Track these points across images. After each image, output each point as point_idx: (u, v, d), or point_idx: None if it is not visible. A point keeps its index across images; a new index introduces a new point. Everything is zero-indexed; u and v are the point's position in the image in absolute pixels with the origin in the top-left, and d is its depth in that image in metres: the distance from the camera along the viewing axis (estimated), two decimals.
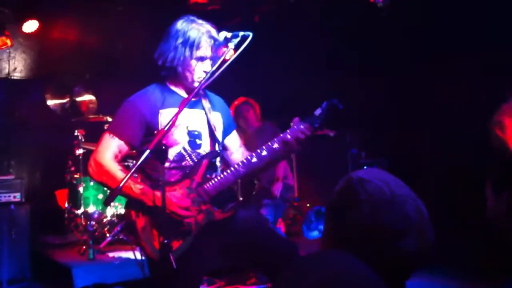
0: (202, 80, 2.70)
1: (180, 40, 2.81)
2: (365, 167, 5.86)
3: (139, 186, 2.66)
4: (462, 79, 5.23)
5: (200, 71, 2.85)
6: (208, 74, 2.64)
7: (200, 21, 2.89)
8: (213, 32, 2.87)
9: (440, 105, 5.53)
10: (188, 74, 2.85)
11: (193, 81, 2.87)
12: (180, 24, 2.86)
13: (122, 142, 2.80)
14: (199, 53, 2.82)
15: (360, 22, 5.87)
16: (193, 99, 2.85)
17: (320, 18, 6.29)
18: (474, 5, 4.95)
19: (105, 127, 5.29)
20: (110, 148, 2.78)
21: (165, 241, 2.31)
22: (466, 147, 5.14)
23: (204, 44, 2.82)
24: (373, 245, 1.44)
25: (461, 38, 5.16)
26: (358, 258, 1.43)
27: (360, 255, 1.43)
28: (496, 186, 1.78)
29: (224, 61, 2.61)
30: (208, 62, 2.86)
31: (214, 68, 2.61)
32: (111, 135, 2.81)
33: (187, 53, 2.80)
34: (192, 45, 2.80)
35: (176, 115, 2.45)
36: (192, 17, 2.90)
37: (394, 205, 1.44)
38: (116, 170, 2.72)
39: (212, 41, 2.84)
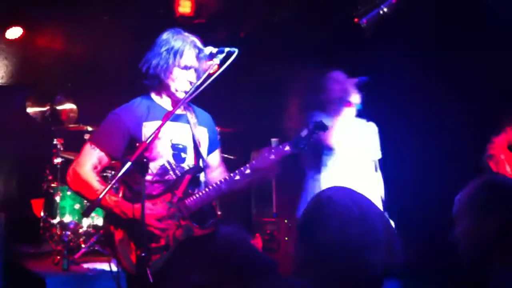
0: (186, 95, 2.71)
1: (164, 48, 2.85)
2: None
3: (114, 198, 2.67)
4: (462, 79, 5.17)
5: (184, 81, 2.86)
6: (193, 88, 2.64)
7: (186, 34, 2.93)
8: (198, 43, 2.91)
9: (439, 107, 5.48)
10: (170, 82, 2.86)
11: (176, 91, 2.88)
12: (166, 34, 2.91)
13: (102, 154, 2.79)
14: (182, 62, 2.84)
15: (349, 32, 5.81)
16: (178, 112, 2.85)
17: (309, 31, 6.26)
18: (474, 5, 4.92)
19: (85, 137, 5.26)
20: (90, 159, 2.78)
21: (142, 254, 2.30)
22: (465, 149, 5.06)
23: (188, 53, 2.85)
24: (342, 259, 1.47)
25: (461, 38, 5.11)
26: (329, 275, 1.47)
27: (330, 272, 1.47)
28: (479, 209, 1.80)
29: (209, 75, 2.62)
30: (192, 72, 2.88)
31: (199, 82, 2.62)
32: (93, 145, 2.80)
33: (171, 60, 2.82)
34: (176, 53, 2.83)
35: (159, 128, 2.46)
36: (178, 29, 2.95)
37: (361, 220, 1.49)
38: (93, 180, 2.72)
39: (197, 51, 2.88)
